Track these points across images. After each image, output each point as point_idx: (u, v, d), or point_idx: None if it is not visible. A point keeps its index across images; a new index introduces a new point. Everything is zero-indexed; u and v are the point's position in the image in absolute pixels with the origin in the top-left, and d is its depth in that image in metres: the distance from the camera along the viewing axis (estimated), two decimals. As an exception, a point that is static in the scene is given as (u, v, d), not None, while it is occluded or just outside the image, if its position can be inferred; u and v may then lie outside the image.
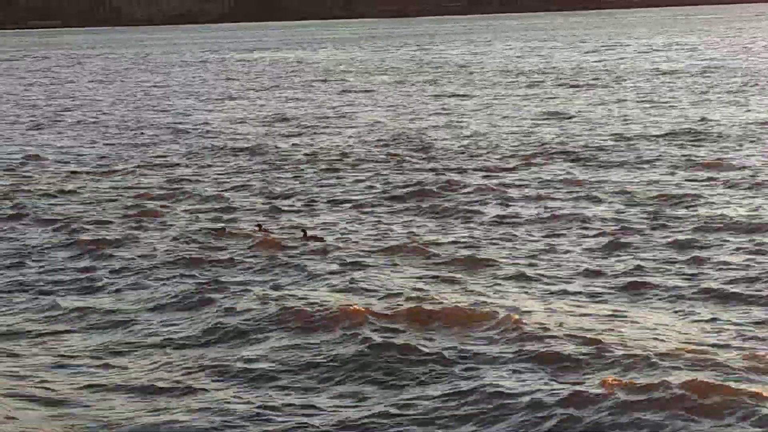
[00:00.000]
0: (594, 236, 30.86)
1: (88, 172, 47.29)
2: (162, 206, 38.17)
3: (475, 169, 44.10)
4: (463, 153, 49.31)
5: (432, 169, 44.14)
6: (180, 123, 67.42)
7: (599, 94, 77.16)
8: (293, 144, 55.06)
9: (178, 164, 48.97)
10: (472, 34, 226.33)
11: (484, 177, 42.10)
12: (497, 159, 46.88)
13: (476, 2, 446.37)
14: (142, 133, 61.69)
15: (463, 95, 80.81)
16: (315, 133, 59.39)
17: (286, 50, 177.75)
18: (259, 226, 32.80)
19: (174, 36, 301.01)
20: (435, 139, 54.37)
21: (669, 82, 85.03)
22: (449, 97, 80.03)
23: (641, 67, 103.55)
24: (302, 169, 46.03)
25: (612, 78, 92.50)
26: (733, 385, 17.83)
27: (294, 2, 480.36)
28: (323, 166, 46.75)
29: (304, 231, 31.72)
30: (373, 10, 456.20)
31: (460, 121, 63.06)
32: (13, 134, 65.33)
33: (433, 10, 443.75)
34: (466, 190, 39.09)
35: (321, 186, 41.70)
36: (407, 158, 47.61)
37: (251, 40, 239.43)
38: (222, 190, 41.31)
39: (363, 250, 29.71)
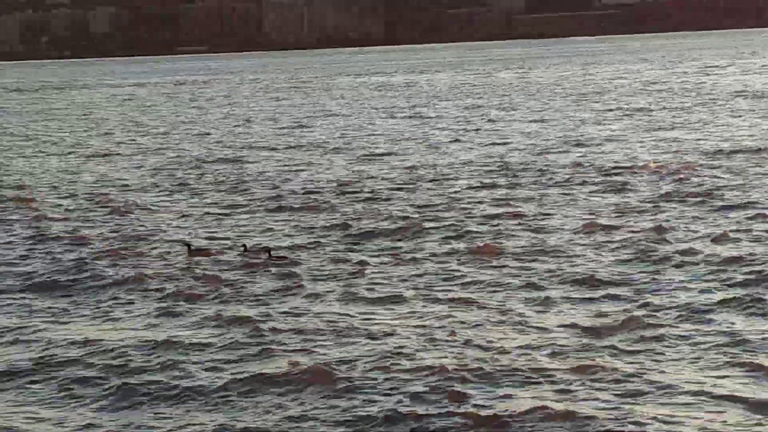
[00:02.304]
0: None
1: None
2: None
3: None
4: None
5: None
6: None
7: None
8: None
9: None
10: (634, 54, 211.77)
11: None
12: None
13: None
14: None
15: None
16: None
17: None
18: None
19: (336, 59, 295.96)
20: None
21: None
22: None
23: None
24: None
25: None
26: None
27: (453, 24, 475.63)
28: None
29: None
30: (532, 30, 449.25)
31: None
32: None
33: (571, 30, 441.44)
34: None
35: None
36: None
37: (420, 62, 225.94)
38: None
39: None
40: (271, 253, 31.06)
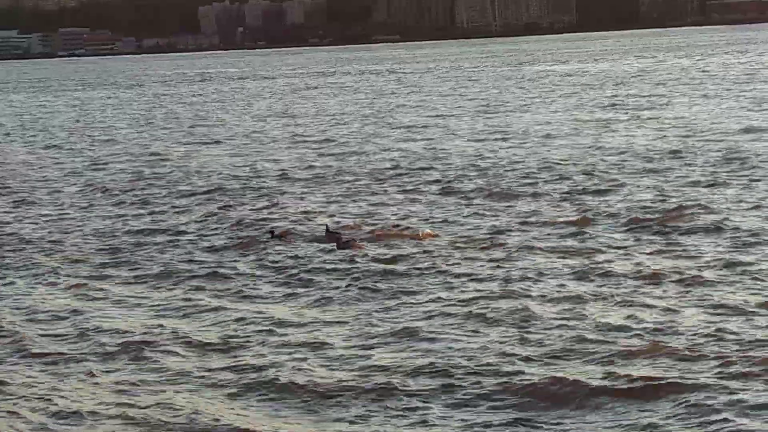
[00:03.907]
0: None
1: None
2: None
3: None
4: None
5: None
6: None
7: None
8: None
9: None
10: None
11: None
12: None
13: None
14: None
15: None
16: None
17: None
18: None
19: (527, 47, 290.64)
20: None
21: None
22: None
23: None
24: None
25: None
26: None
27: (646, 11, 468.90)
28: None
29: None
30: (726, 17, 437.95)
31: None
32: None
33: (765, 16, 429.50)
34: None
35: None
36: None
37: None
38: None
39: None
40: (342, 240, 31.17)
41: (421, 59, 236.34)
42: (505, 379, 18.83)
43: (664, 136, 56.37)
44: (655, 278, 25.39)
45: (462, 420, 17.33)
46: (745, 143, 51.18)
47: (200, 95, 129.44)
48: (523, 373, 19.10)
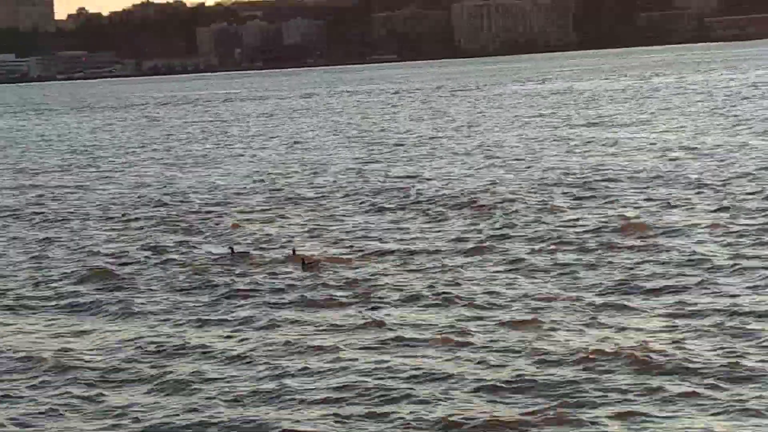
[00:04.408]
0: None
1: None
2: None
3: None
4: None
5: None
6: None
7: None
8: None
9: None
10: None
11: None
12: None
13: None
14: None
15: None
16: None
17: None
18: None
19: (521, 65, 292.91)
20: None
21: None
22: None
23: None
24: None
25: None
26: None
27: (644, 28, 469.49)
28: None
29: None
30: (725, 33, 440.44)
31: None
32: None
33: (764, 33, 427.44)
34: None
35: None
36: None
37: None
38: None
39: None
40: (305, 261, 31.39)
41: (413, 79, 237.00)
42: (460, 401, 19.23)
43: (635, 155, 56.68)
44: (623, 296, 25.92)
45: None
46: (716, 162, 51.54)
47: (184, 118, 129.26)
48: (480, 389, 19.73)
